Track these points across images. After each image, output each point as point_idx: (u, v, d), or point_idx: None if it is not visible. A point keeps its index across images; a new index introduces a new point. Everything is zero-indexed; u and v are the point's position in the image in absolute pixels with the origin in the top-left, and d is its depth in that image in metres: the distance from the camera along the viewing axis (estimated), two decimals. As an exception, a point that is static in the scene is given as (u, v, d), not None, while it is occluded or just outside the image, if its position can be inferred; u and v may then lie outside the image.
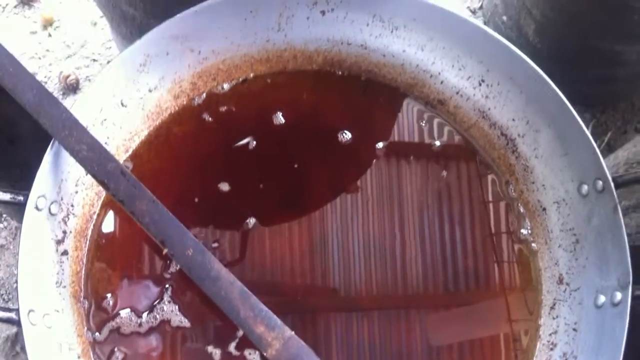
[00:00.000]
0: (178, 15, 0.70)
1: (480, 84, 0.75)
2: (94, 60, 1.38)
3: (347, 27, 0.76)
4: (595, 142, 0.66)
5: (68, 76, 1.35)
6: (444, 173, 0.76)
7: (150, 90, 0.73)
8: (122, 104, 0.72)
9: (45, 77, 1.37)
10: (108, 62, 1.38)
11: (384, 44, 0.77)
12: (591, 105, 1.41)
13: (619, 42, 1.19)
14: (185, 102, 0.77)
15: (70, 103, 1.36)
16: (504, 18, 1.33)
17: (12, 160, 0.87)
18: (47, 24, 1.40)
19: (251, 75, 0.78)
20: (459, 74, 0.75)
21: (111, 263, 0.71)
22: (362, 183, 0.76)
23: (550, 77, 1.42)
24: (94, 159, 0.64)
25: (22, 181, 0.89)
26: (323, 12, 0.75)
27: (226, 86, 0.78)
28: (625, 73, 1.30)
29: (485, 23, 1.44)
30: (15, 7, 1.42)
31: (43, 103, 0.65)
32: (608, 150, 1.38)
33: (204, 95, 0.77)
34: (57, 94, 1.35)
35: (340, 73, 0.79)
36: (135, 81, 0.72)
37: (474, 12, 1.45)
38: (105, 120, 0.71)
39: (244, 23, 0.74)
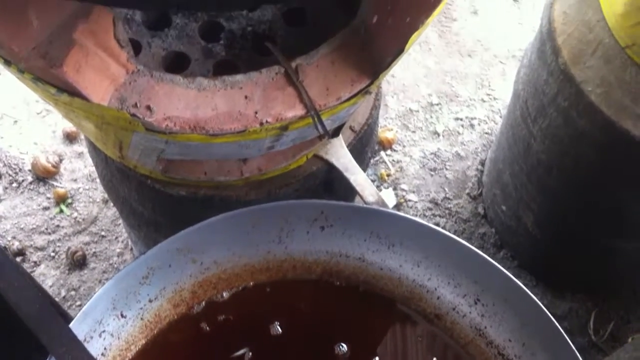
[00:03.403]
0: (183, 231, 0.73)
1: (476, 303, 0.76)
2: (103, 236, 1.41)
3: (345, 242, 0.78)
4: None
5: (75, 252, 1.37)
6: (441, 391, 0.75)
7: (150, 301, 0.75)
8: (121, 315, 0.73)
9: (53, 251, 1.39)
10: (116, 238, 1.41)
11: (381, 258, 0.79)
12: (593, 293, 1.41)
13: (618, 238, 1.21)
14: (184, 311, 0.78)
15: (76, 278, 1.38)
16: (503, 207, 1.37)
17: (10, 352, 0.87)
18: (60, 200, 1.45)
19: (251, 283, 0.80)
20: (455, 291, 0.77)
21: None
22: (358, 398, 0.75)
23: (550, 267, 1.42)
24: (88, 378, 0.64)
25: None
26: (322, 228, 0.78)
27: (226, 294, 0.79)
28: (626, 264, 1.31)
29: (484, 210, 1.47)
30: (30, 182, 1.48)
31: (44, 319, 0.66)
32: (612, 339, 1.37)
33: (204, 303, 0.78)
34: (63, 269, 1.37)
35: (338, 283, 0.81)
36: (137, 293, 0.73)
37: (474, 198, 1.49)
38: (103, 331, 0.72)
39: (246, 236, 0.77)
